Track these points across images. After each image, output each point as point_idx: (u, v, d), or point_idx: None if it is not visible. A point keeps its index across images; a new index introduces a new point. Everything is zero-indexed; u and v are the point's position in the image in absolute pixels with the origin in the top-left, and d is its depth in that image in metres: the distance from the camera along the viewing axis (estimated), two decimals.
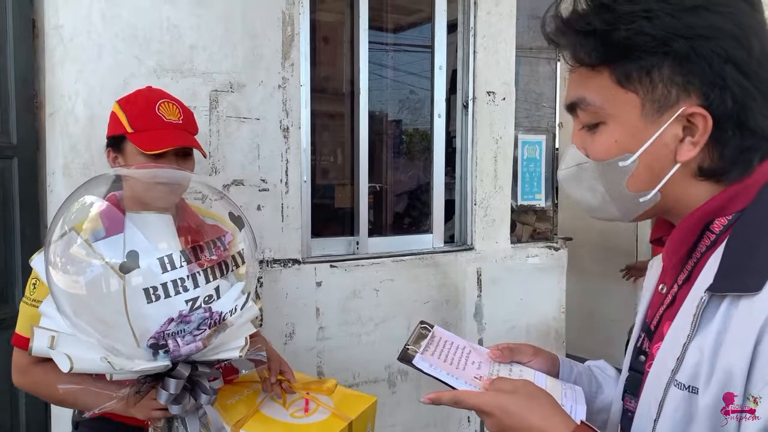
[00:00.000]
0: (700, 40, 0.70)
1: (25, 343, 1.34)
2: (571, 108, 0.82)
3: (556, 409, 0.82)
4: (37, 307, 1.30)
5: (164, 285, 1.17)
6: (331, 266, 2.50)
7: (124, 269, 1.15)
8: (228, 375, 1.44)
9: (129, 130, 1.41)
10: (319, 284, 2.46)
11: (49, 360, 1.26)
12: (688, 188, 0.77)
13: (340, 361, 2.51)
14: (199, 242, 1.24)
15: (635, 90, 0.74)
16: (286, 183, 2.35)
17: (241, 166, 2.23)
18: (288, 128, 2.34)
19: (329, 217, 2.92)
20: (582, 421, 0.82)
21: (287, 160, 2.34)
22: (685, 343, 0.72)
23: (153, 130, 1.41)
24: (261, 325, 2.26)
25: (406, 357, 0.93)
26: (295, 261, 2.39)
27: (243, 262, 1.29)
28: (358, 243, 2.71)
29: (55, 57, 1.97)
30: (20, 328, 1.40)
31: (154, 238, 1.22)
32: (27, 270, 2.05)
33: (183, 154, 1.47)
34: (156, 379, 1.24)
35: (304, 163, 2.44)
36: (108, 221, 1.21)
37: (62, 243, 1.15)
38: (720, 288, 0.70)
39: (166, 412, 1.27)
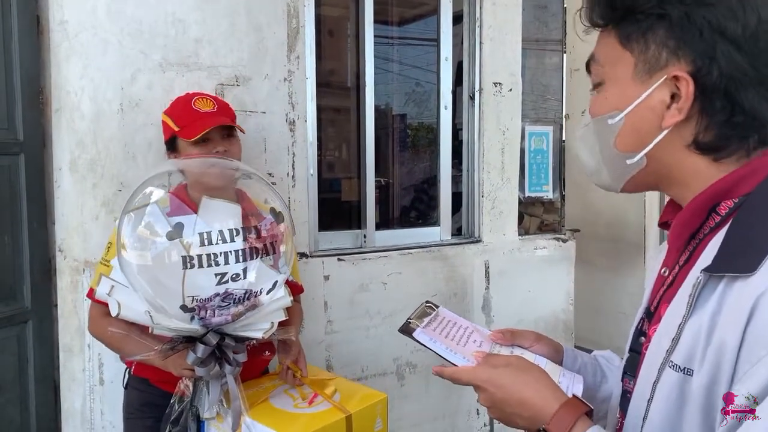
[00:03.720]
0: (694, 6, 0.72)
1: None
2: (588, 66, 0.85)
3: (548, 382, 0.83)
4: (108, 266, 1.54)
5: (199, 257, 1.35)
6: (339, 260, 2.50)
7: (169, 237, 1.34)
8: (254, 354, 1.58)
9: (176, 128, 1.67)
10: (326, 278, 2.45)
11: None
12: (683, 160, 0.77)
13: (348, 355, 2.51)
14: (231, 228, 1.41)
15: (630, 49, 0.77)
16: (293, 177, 2.34)
17: (247, 160, 2.20)
18: (294, 121, 2.33)
19: (336, 210, 2.91)
20: (574, 395, 0.82)
21: (294, 153, 2.34)
22: (680, 324, 0.72)
23: (193, 122, 1.65)
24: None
25: (407, 330, 0.93)
26: (303, 255, 2.38)
27: (274, 252, 1.46)
28: (365, 236, 2.71)
29: (61, 53, 1.97)
30: (94, 284, 1.63)
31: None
32: (35, 266, 2.07)
33: (227, 135, 1.71)
34: (189, 342, 1.42)
35: (310, 156, 2.44)
36: (173, 202, 1.45)
37: (142, 212, 1.36)
38: (716, 269, 0.70)
39: (194, 372, 1.45)
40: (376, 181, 2.78)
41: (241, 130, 1.76)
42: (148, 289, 1.33)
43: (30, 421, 2.13)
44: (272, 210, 1.48)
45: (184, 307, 1.34)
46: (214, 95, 1.77)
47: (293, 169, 2.34)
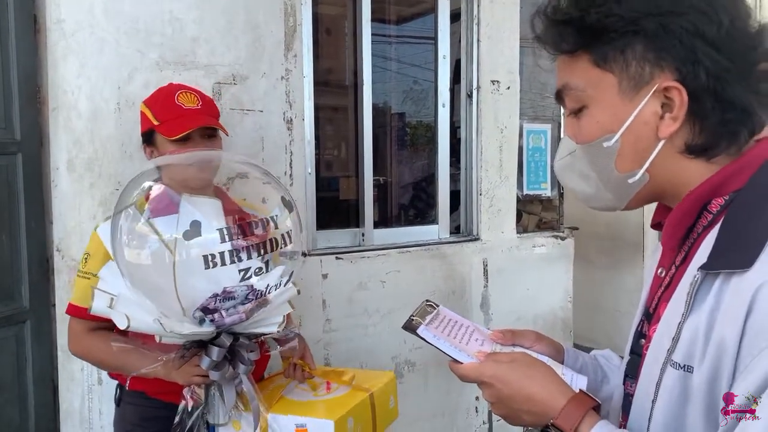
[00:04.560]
0: (668, 16, 0.72)
1: (79, 312, 1.50)
2: (559, 97, 0.84)
3: (554, 377, 0.84)
4: (89, 278, 1.46)
5: (221, 254, 1.30)
6: (337, 258, 2.50)
7: (188, 236, 1.29)
8: (264, 350, 1.54)
9: (155, 122, 1.55)
10: (324, 276, 2.45)
11: (100, 329, 1.48)
12: (679, 167, 0.77)
13: (346, 353, 2.51)
14: (248, 220, 1.37)
15: (611, 70, 0.76)
16: (291, 175, 2.34)
17: None
18: (292, 120, 2.33)
19: (334, 209, 2.92)
20: (581, 389, 0.82)
21: (291, 152, 2.34)
22: (679, 323, 0.72)
23: (175, 119, 1.54)
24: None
25: (410, 326, 0.93)
26: (301, 253, 2.38)
27: (291, 242, 1.42)
28: (363, 235, 2.71)
29: (57, 52, 1.97)
30: (75, 299, 1.54)
31: (207, 217, 1.35)
32: (33, 265, 2.06)
33: (208, 136, 1.59)
34: (199, 347, 1.36)
35: (308, 155, 2.44)
36: (153, 204, 1.35)
37: (123, 216, 1.31)
38: (712, 266, 0.70)
39: (205, 378, 1.39)
40: (375, 179, 2.78)
41: (225, 133, 1.64)
42: (162, 296, 1.28)
43: (29, 420, 2.13)
44: (282, 199, 1.44)
45: (205, 309, 1.30)
46: (199, 90, 1.64)
47: (291, 167, 2.34)
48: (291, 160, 2.34)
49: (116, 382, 1.70)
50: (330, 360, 2.48)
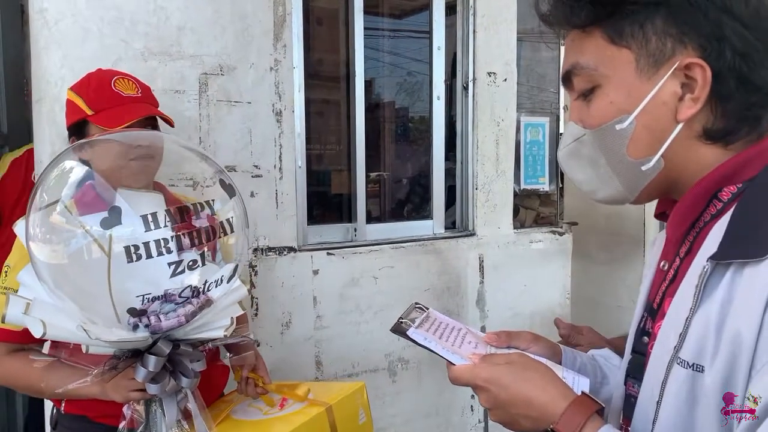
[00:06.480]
0: None
1: None
2: (566, 78, 0.79)
3: (554, 380, 0.79)
4: (6, 294, 1.25)
5: (146, 244, 1.13)
6: (328, 254, 2.45)
7: (105, 225, 1.12)
8: (211, 360, 1.40)
9: (89, 112, 1.37)
10: (315, 272, 2.41)
11: (22, 350, 1.31)
12: (695, 154, 0.72)
13: (338, 351, 2.46)
14: (178, 206, 1.20)
15: (628, 45, 0.71)
16: (280, 169, 2.30)
17: (233, 152, 2.18)
18: (281, 112, 2.28)
19: (326, 203, 2.87)
20: (583, 392, 0.77)
21: (281, 145, 2.29)
22: (687, 318, 0.67)
23: (113, 107, 1.37)
24: (256, 315, 2.22)
25: (399, 329, 0.90)
26: (291, 249, 2.34)
27: (232, 231, 1.24)
28: (356, 230, 2.66)
29: (41, 42, 1.92)
30: None
31: (143, 211, 1.18)
32: None
33: (150, 128, 1.43)
34: (134, 357, 1.19)
35: (298, 148, 2.39)
36: (84, 198, 1.18)
37: (45, 213, 1.13)
38: (724, 256, 0.66)
39: (144, 393, 1.22)
40: (377, 175, 2.73)
41: (171, 123, 1.47)
42: (93, 301, 1.13)
43: (16, 418, 2.11)
44: (222, 182, 1.26)
45: (132, 310, 1.13)
46: (134, 76, 1.48)
47: (280, 161, 2.29)
48: (280, 153, 2.29)
49: (51, 404, 1.54)
50: (321, 358, 2.44)
